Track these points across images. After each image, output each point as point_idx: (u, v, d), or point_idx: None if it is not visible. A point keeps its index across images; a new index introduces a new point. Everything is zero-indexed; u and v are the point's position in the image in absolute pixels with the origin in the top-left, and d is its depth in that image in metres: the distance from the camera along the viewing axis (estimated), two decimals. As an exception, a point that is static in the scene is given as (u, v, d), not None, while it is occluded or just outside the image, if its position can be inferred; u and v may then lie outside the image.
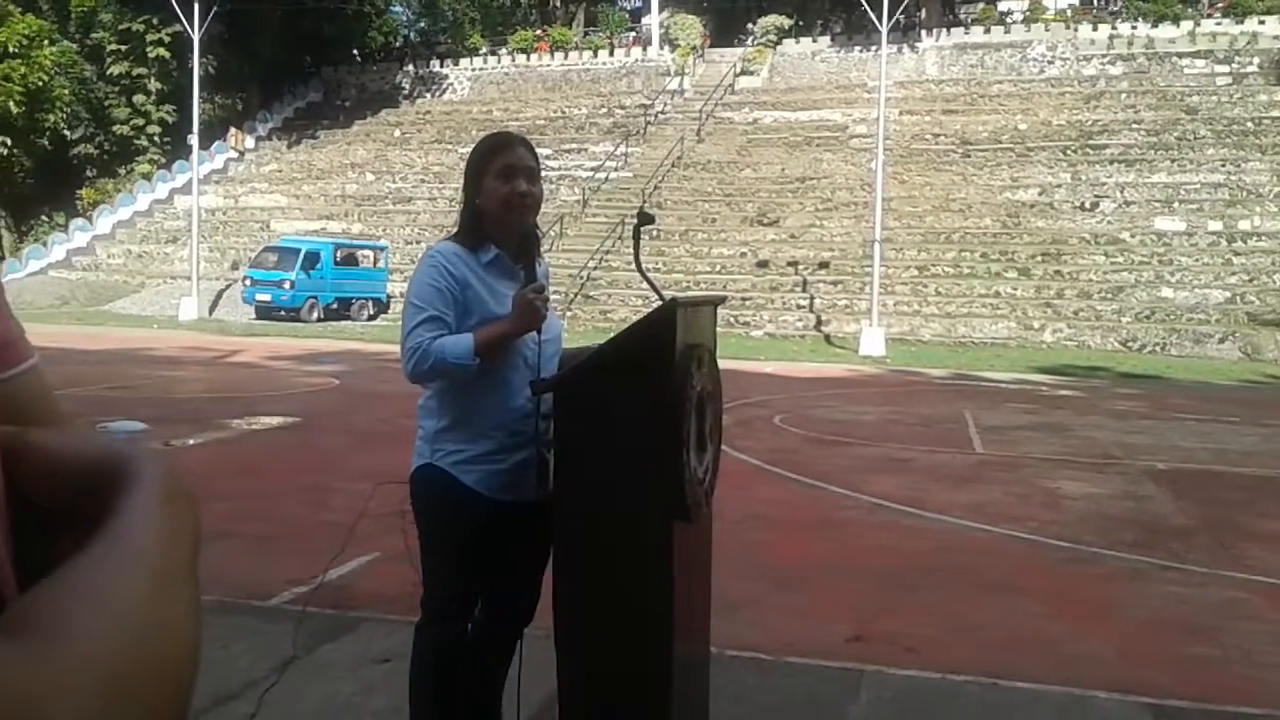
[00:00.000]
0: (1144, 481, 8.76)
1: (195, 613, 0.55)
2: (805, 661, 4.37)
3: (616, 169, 31.70)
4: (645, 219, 3.10)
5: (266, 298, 26.74)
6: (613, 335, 2.99)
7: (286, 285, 26.50)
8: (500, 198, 2.88)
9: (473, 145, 3.07)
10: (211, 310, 28.47)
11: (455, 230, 2.99)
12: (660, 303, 2.81)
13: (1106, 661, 4.52)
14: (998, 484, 8.54)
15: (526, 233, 2.95)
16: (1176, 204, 26.38)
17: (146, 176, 36.80)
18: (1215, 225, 25.53)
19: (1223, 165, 27.35)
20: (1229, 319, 23.07)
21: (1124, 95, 31.30)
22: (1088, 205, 26.98)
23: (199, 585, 0.57)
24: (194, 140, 29.82)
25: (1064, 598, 5.50)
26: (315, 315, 26.95)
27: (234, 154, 38.04)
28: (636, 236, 3.11)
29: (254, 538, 6.24)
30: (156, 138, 37.55)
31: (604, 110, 36.09)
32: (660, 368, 2.75)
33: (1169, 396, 15.62)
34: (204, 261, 29.61)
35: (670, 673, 2.78)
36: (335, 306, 27.43)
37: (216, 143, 37.27)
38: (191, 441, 9.57)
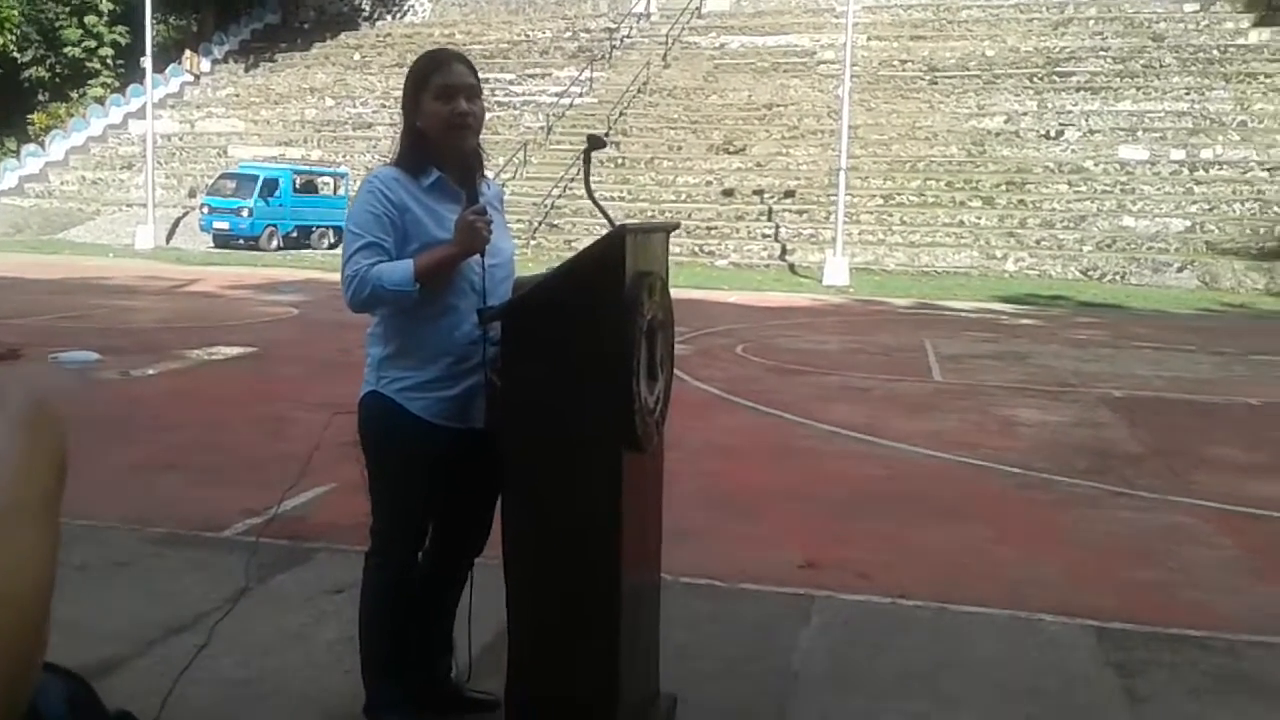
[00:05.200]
0: (1099, 409, 8.87)
1: (49, 545, 0.52)
2: (757, 588, 4.42)
3: (581, 95, 31.24)
4: (595, 143, 3.03)
5: (224, 226, 26.32)
6: (562, 262, 2.94)
7: (245, 213, 26.08)
8: (441, 118, 2.81)
9: None
10: (168, 239, 27.99)
11: (396, 155, 2.92)
12: (610, 228, 2.77)
13: (1054, 585, 4.59)
14: (954, 412, 8.61)
15: (469, 153, 2.88)
16: (1140, 132, 26.40)
17: (99, 100, 35.87)
18: (1178, 154, 25.59)
19: (1187, 94, 27.35)
20: (1188, 248, 23.25)
21: (1091, 22, 31.12)
22: (1053, 134, 26.95)
23: (58, 516, 0.54)
24: (148, 63, 29.02)
25: (1014, 523, 5.58)
26: (274, 243, 26.57)
27: (189, 78, 37.12)
28: (586, 161, 3.05)
29: (208, 469, 6.20)
30: (109, 60, 36.55)
31: (569, 34, 35.47)
32: (609, 296, 2.71)
33: (1127, 325, 15.78)
34: (160, 188, 29.04)
35: (619, 600, 2.79)
36: (295, 234, 27.05)
37: (171, 66, 36.34)
38: (148, 371, 9.46)
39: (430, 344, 2.84)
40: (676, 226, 3.52)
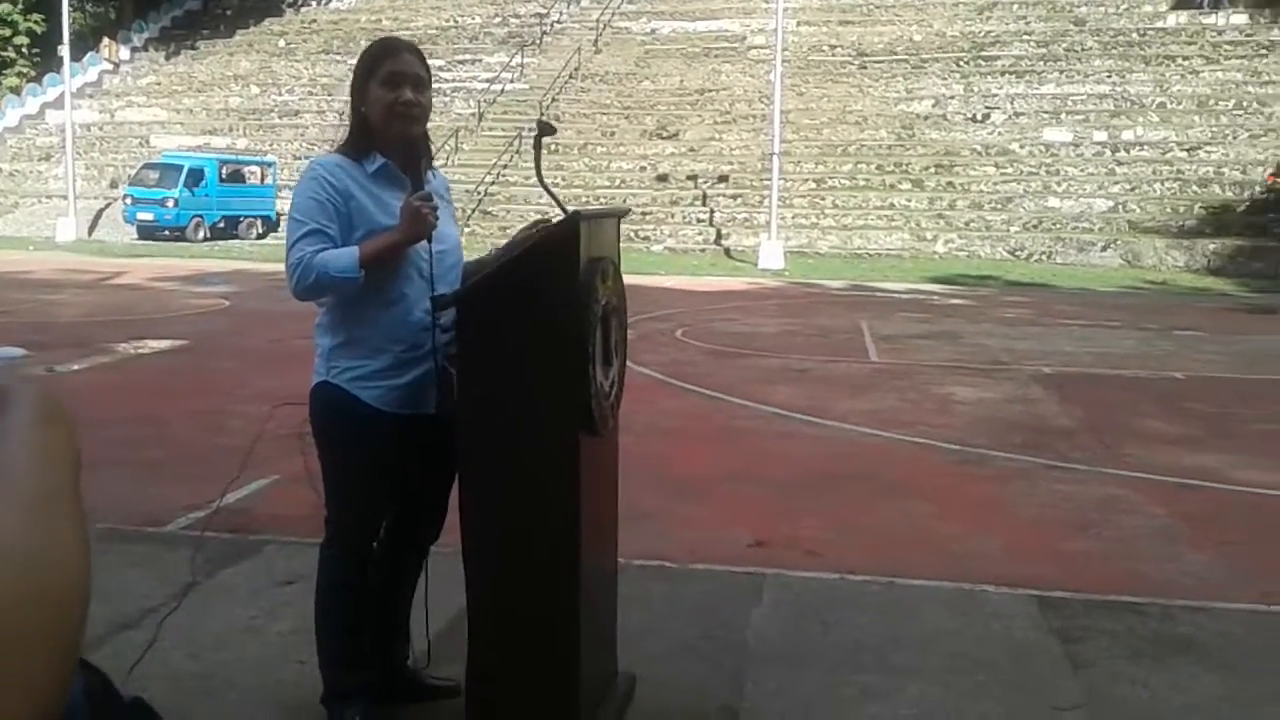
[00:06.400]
0: (1031, 385, 9.07)
1: (81, 538, 0.52)
2: (709, 568, 4.47)
3: (512, 81, 31.05)
4: (545, 129, 3.02)
5: (149, 217, 25.73)
6: (516, 248, 2.93)
7: (170, 203, 25.51)
8: (385, 105, 2.79)
9: None
10: (91, 231, 27.29)
11: (342, 141, 2.90)
12: (563, 215, 2.77)
13: (995, 557, 4.71)
14: (892, 391, 8.75)
15: (412, 141, 2.87)
16: (1064, 115, 26.93)
17: (15, 90, 34.84)
18: (1100, 135, 26.17)
19: (1108, 76, 27.96)
20: (1111, 227, 23.81)
21: (1015, 6, 31.64)
22: (979, 117, 27.39)
23: (83, 509, 0.54)
24: (65, 51, 28.24)
25: (955, 498, 5.70)
26: (201, 234, 26.05)
27: (108, 66, 36.17)
28: (538, 147, 3.04)
29: (146, 464, 6.09)
30: (24, 49, 35.54)
31: (498, 19, 35.19)
32: (564, 282, 2.72)
33: (1055, 303, 16.13)
34: (81, 180, 28.31)
35: (579, 584, 2.80)
36: (222, 225, 26.53)
37: (89, 54, 35.38)
38: (75, 367, 9.24)
39: (380, 332, 2.83)
40: (628, 212, 3.54)
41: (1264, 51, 27.98)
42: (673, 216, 25.62)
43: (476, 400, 2.80)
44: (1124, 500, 5.68)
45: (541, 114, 27.26)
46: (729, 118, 28.65)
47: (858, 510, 5.44)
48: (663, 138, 28.30)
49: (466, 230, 24.01)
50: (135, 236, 26.03)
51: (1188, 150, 25.28)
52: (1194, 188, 24.31)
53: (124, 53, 37.10)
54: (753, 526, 5.07)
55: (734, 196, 25.93)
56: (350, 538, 2.97)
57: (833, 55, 30.61)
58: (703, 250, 24.43)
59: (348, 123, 3.00)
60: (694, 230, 25.23)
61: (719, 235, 24.88)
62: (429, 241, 2.82)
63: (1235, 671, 3.58)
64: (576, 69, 31.12)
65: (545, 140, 3.03)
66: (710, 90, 29.79)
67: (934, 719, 3.25)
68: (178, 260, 21.31)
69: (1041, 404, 8.32)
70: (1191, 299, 17.61)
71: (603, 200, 24.02)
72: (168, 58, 36.93)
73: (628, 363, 3.16)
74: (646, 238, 24.60)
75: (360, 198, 2.79)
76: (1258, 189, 23.49)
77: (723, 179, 26.41)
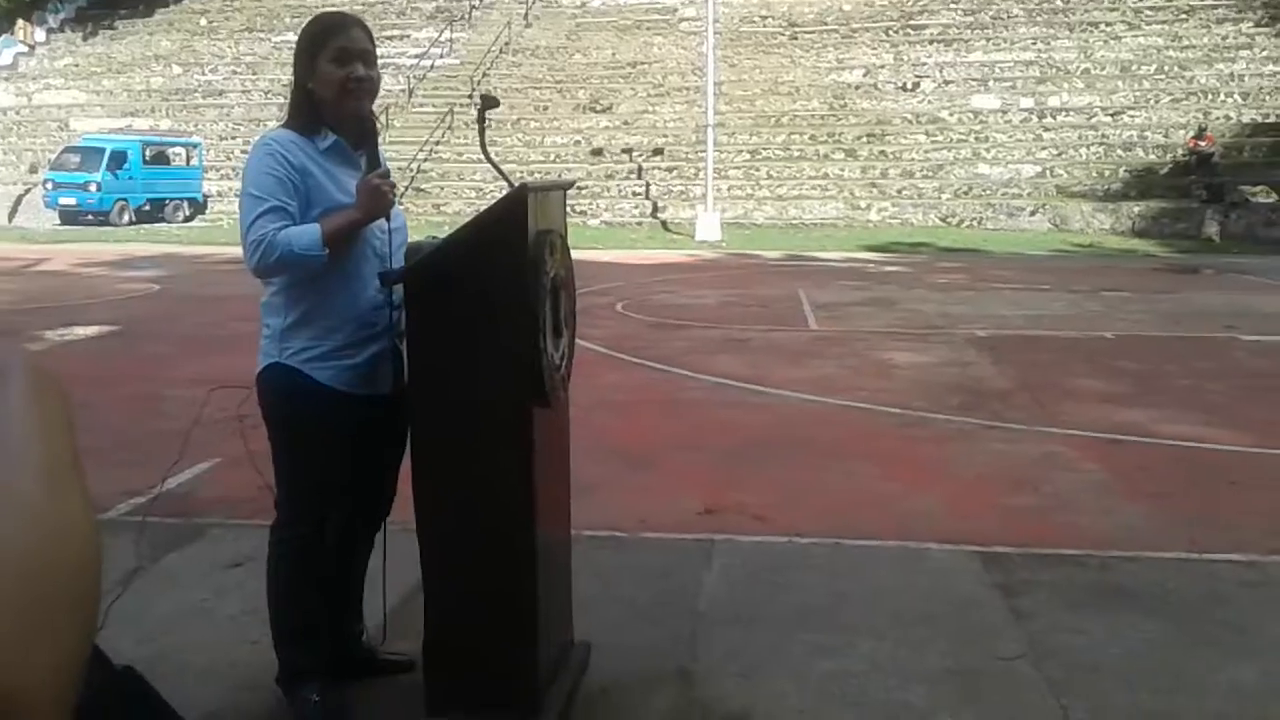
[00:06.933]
0: (966, 349, 9.24)
1: (88, 501, 0.53)
2: (659, 536, 4.52)
3: (442, 56, 30.64)
4: (490, 102, 3.01)
5: (71, 201, 25.06)
6: (463, 223, 2.93)
7: (92, 187, 24.86)
8: (336, 82, 2.75)
9: (289, 34, 2.91)
10: (11, 217, 26.51)
11: (286, 117, 2.85)
12: (508, 189, 2.77)
13: (938, 516, 4.81)
14: (832, 358, 8.86)
15: (363, 118, 2.84)
16: (991, 82, 27.29)
17: (-76, 73, 33.65)
18: (1027, 102, 26.56)
19: (1034, 43, 28.36)
20: (1039, 192, 24.22)
21: (941, -26, 31.93)
22: (909, 86, 27.64)
23: (84, 473, 0.55)
24: (-25, 32, 27.34)
25: (897, 460, 5.81)
26: (126, 218, 25.44)
27: (23, 48, 35.06)
28: (481, 121, 3.03)
29: (83, 451, 5.93)
30: (-67, 30, 34.29)
31: (425, -6, 34.69)
32: (513, 254, 2.72)
33: (987, 268, 16.40)
34: (-2, 165, 27.49)
35: (534, 556, 2.82)
36: (147, 208, 25.91)
37: (3, 36, 34.32)
38: (3, 356, 9.00)
39: (335, 311, 2.80)
40: (572, 184, 3.54)
41: (1184, 16, 28.57)
42: (609, 190, 25.56)
43: (427, 374, 2.80)
44: (1060, 457, 5.83)
45: (474, 89, 27.01)
46: (662, 90, 28.61)
47: (803, 475, 5.51)
48: (596, 111, 28.18)
49: (400, 207, 23.75)
50: (58, 222, 25.34)
51: (1112, 115, 25.77)
52: (1118, 152, 24.81)
53: (39, 34, 35.99)
54: (701, 494, 5.12)
55: (669, 169, 25.93)
56: (301, 519, 2.95)
57: (764, 26, 30.67)
58: (639, 224, 24.42)
59: (278, 102, 2.94)
60: (630, 204, 25.20)
61: (655, 208, 24.89)
62: (387, 219, 2.81)
63: (1169, 618, 3.71)
64: (507, 43, 30.84)
65: (490, 111, 3.02)
66: (643, 63, 29.70)
67: (883, 673, 3.33)
68: (103, 245, 20.80)
69: (977, 366, 8.48)
70: (1118, 260, 18.02)
71: (537, 175, 23.84)
72: (85, 38, 35.87)
73: (572, 336, 3.17)
74: (583, 212, 24.51)
75: (317, 175, 2.75)
76: (1179, 152, 24.03)
77: (657, 152, 26.39)
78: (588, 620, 3.38)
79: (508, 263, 2.71)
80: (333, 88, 2.76)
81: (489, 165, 3.16)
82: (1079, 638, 3.56)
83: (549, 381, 2.81)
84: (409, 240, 3.01)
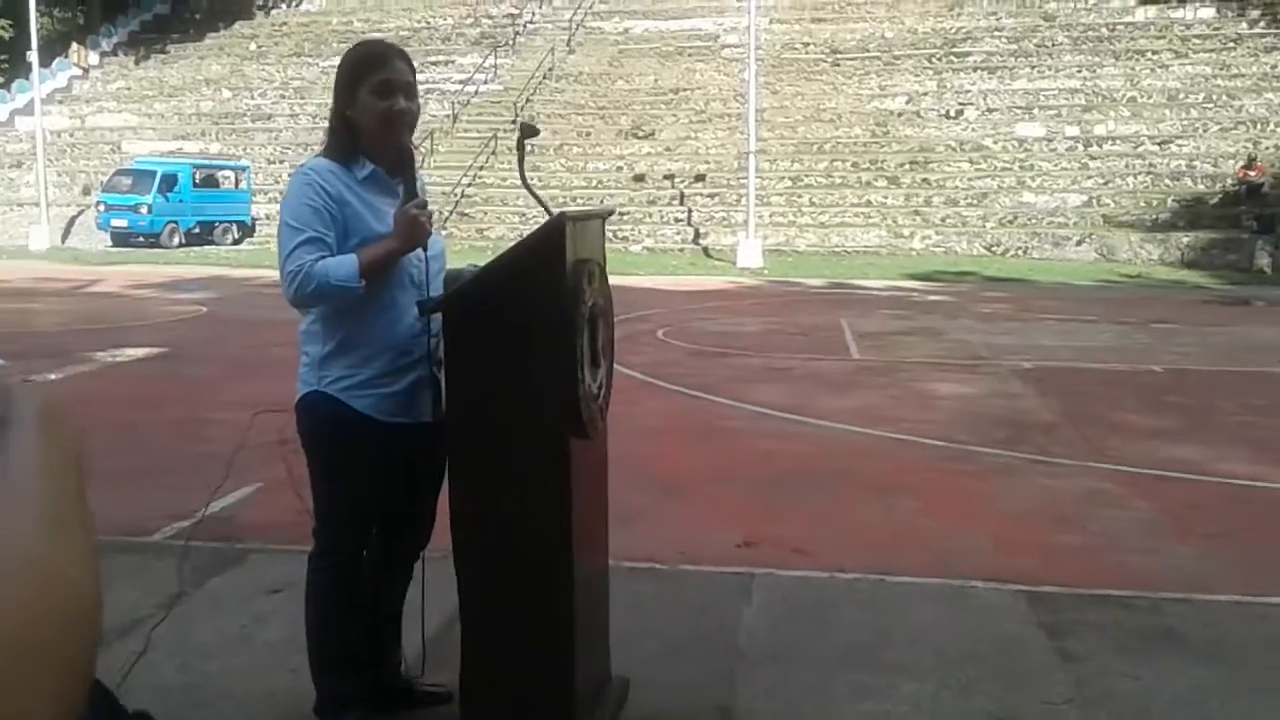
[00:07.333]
0: (1011, 380, 9.12)
1: (90, 546, 0.52)
2: (698, 569, 4.46)
3: (486, 82, 30.97)
4: (529, 131, 3.01)
5: (123, 223, 25.53)
6: (500, 252, 2.92)
7: (144, 209, 25.32)
8: (377, 114, 2.75)
9: (336, 58, 2.92)
10: (64, 238, 27.05)
11: (325, 145, 2.85)
12: (548, 217, 2.76)
13: (982, 553, 4.72)
14: (875, 388, 8.78)
15: (402, 148, 2.84)
16: (1036, 110, 27.11)
17: (-17, 96, 34.49)
18: (1073, 130, 26.36)
19: (1079, 71, 28.17)
20: (1086, 221, 23.98)
21: (985, 2, 31.82)
22: (952, 113, 27.53)
23: (92, 516, 0.54)
24: (33, 57, 27.98)
25: (941, 494, 5.72)
26: (176, 240, 25.87)
27: (78, 71, 35.83)
28: (520, 149, 3.02)
29: (128, 473, 6.03)
30: (-9, 55, 35.14)
31: (470, 20, 35.11)
32: (551, 283, 2.71)
33: (1032, 298, 16.23)
34: (53, 187, 28.05)
35: (571, 588, 2.79)
36: (197, 230, 26.35)
37: (58, 59, 35.06)
38: (53, 376, 9.14)
39: (373, 339, 2.79)
40: (611, 213, 3.53)
41: (1232, 44, 28.27)
42: (650, 216, 25.63)
43: (465, 404, 2.79)
44: (1107, 494, 5.71)
45: (516, 115, 27.24)
46: (704, 117, 28.69)
47: (844, 508, 5.45)
48: (638, 137, 28.30)
49: (443, 233, 23.93)
50: (109, 244, 25.82)
51: (1159, 144, 25.50)
52: (1166, 181, 24.52)
53: (93, 58, 36.77)
54: (741, 526, 5.07)
55: (711, 195, 25.96)
56: (340, 548, 2.94)
57: (806, 53, 30.70)
58: (681, 250, 24.44)
59: (325, 126, 2.95)
60: (672, 230, 25.24)
61: (697, 235, 24.91)
62: (424, 249, 2.80)
63: (1223, 663, 3.61)
64: (550, 69, 31.09)
65: (530, 139, 3.02)
66: (685, 89, 29.82)
67: (927, 715, 3.26)
68: (153, 267, 21.15)
69: (1023, 399, 8.37)
70: (1167, 292, 17.76)
71: (580, 201, 23.99)
72: (137, 62, 36.62)
73: (612, 364, 3.15)
74: (625, 238, 24.59)
75: (355, 204, 2.75)
76: (1229, 182, 23.72)
77: (699, 178, 26.44)
78: (625, 654, 3.34)
79: (546, 292, 2.70)
80: (373, 119, 2.76)
81: (533, 193, 3.15)
82: (1129, 682, 3.47)
83: (586, 412, 2.79)
84: (448, 267, 3.01)
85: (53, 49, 34.43)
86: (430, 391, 2.85)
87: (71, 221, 27.83)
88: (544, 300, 2.72)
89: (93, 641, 0.48)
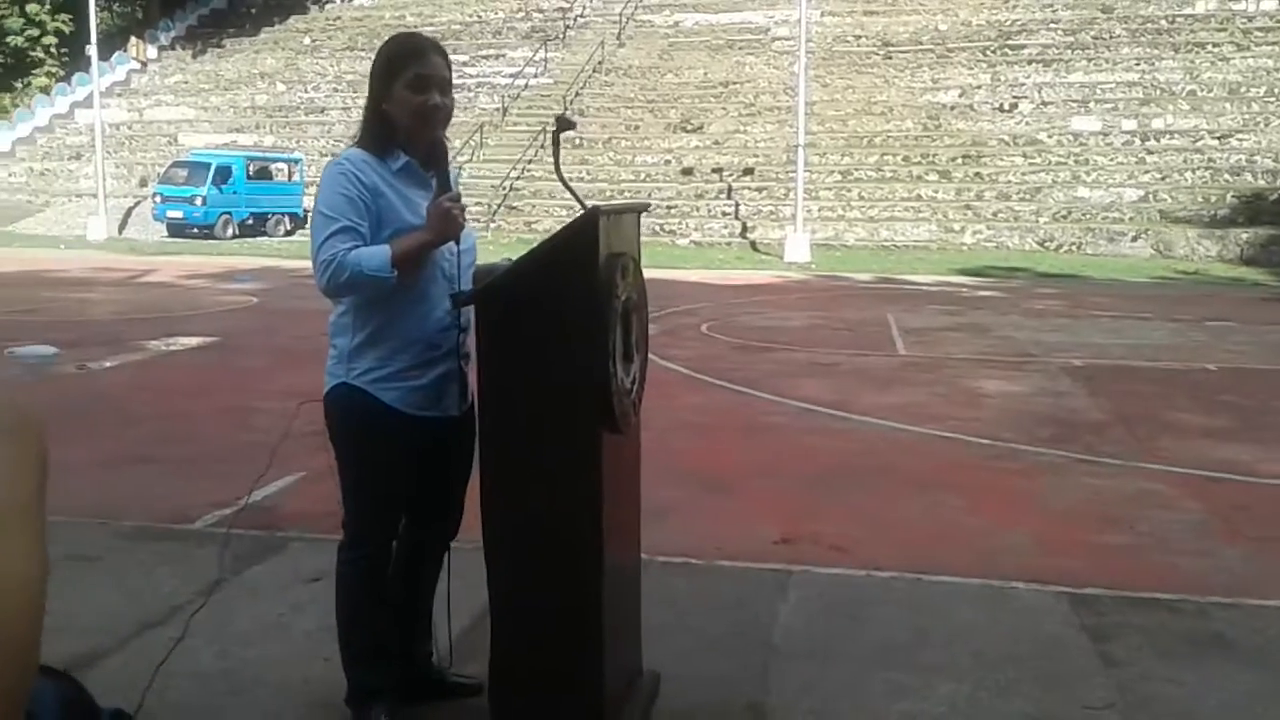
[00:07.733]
0: (1061, 378, 8.98)
1: (36, 552, 0.51)
2: (734, 564, 4.44)
3: (536, 75, 31.07)
4: (564, 124, 3.00)
5: (178, 215, 25.95)
6: (534, 245, 2.92)
7: (198, 201, 25.72)
8: (412, 109, 2.75)
9: None
10: (121, 229, 27.56)
11: (359, 136, 2.86)
12: (582, 211, 2.75)
13: (1026, 553, 4.65)
14: (920, 385, 8.68)
15: (435, 142, 2.84)
16: (1092, 104, 26.66)
17: (45, 90, 35.22)
18: (1129, 124, 25.89)
19: (1137, 64, 27.65)
20: (1142, 217, 23.54)
21: (1042, -6, 31.36)
22: (1006, 106, 27.15)
23: (44, 520, 0.53)
24: (93, 51, 28.51)
25: (985, 493, 5.64)
26: (230, 231, 26.26)
27: (136, 65, 36.48)
28: (556, 143, 3.01)
29: (175, 461, 6.13)
30: (53, 49, 35.92)
31: (521, 14, 35.22)
32: (584, 277, 2.69)
33: (1085, 295, 15.97)
34: (110, 178, 28.58)
35: (601, 581, 2.78)
36: (250, 222, 26.73)
37: (117, 53, 35.71)
38: (107, 364, 9.32)
39: (403, 332, 2.80)
40: (647, 207, 3.51)
41: (1297, 37, 27.58)
42: (698, 210, 25.56)
43: (497, 396, 2.78)
44: (1156, 494, 5.60)
45: (565, 108, 27.30)
46: (753, 110, 28.55)
47: (885, 505, 5.39)
48: (687, 131, 28.23)
49: (492, 226, 24.07)
50: (165, 234, 26.27)
51: (1219, 138, 24.96)
52: (1226, 176, 24.01)
53: (151, 51, 37.40)
54: (779, 522, 5.03)
55: (759, 189, 25.84)
56: (368, 540, 2.95)
57: (857, 46, 30.43)
58: (728, 244, 24.36)
59: (363, 115, 2.95)
60: (720, 224, 25.16)
61: (745, 228, 24.81)
62: (456, 242, 2.80)
63: (1271, 669, 3.52)
64: (600, 63, 31.11)
65: (569, 135, 3.01)
66: (734, 83, 29.69)
67: (963, 716, 3.21)
68: (207, 257, 21.48)
69: (1071, 397, 8.23)
70: (1224, 289, 17.39)
71: (627, 194, 24.00)
72: (194, 56, 37.20)
73: (653, 357, 3.13)
74: (672, 231, 24.56)
75: (389, 195, 2.75)
76: (1291, 177, 23.18)
77: (748, 172, 26.32)
78: (658, 649, 3.33)
79: (579, 286, 2.68)
80: (408, 113, 2.76)
81: (568, 187, 3.14)
82: (1173, 688, 3.39)
83: (619, 406, 2.77)
84: (479, 263, 3.01)
85: (112, 43, 35.06)
86: (457, 385, 2.85)
87: (128, 212, 28.34)
88: (577, 294, 2.71)
89: (28, 644, 0.47)
